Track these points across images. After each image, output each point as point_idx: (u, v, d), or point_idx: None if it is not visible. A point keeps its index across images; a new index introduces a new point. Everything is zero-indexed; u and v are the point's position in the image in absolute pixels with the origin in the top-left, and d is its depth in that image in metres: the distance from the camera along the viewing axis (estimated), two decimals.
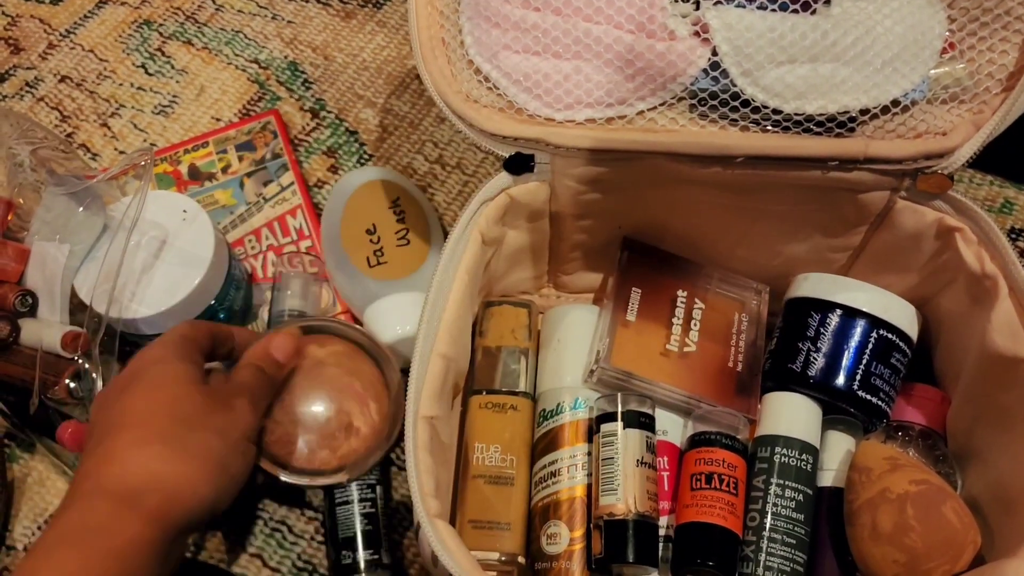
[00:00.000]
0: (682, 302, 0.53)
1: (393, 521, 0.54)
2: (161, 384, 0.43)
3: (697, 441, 0.48)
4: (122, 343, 0.56)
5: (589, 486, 0.48)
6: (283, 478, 0.49)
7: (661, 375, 0.50)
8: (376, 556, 0.51)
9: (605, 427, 0.48)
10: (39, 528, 0.55)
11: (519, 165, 0.47)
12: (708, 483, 0.46)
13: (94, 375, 0.50)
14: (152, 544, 0.38)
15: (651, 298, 0.52)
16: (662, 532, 0.48)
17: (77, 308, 0.53)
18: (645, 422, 0.48)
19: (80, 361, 0.50)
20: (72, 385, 0.50)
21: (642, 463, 0.47)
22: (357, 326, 0.54)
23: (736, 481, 0.46)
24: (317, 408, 0.50)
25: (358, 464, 0.50)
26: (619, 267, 0.53)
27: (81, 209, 0.53)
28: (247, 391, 0.45)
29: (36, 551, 0.37)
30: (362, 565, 0.50)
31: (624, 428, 0.48)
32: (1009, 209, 0.63)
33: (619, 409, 0.48)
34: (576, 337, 0.53)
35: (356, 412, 0.50)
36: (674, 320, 0.52)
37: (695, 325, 0.52)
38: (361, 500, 0.51)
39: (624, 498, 0.46)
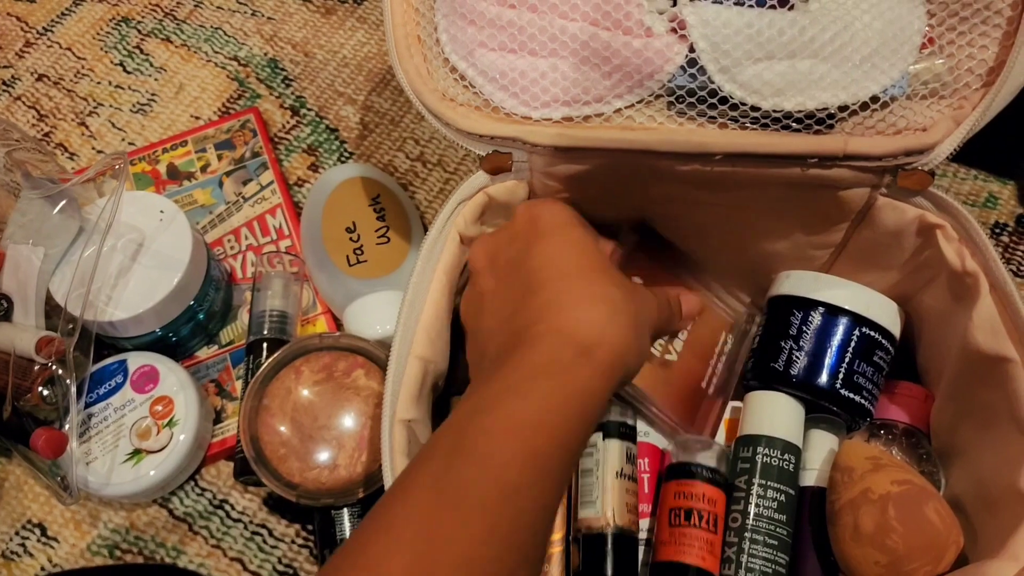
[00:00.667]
0: None
1: None
2: (583, 244, 0.41)
3: (677, 471, 0.47)
4: (98, 346, 0.56)
5: (570, 487, 0.48)
6: (300, 501, 0.49)
7: (638, 378, 0.50)
8: None
9: None
10: (16, 533, 0.55)
11: (497, 164, 0.46)
12: (687, 520, 0.46)
13: (68, 381, 0.49)
14: (600, 395, 0.37)
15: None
16: (642, 535, 0.48)
17: (53, 312, 0.52)
18: (626, 432, 0.48)
19: (54, 367, 0.50)
20: (45, 392, 0.49)
21: (622, 475, 0.47)
22: None
23: (716, 517, 0.46)
24: (345, 424, 0.50)
25: (371, 481, 0.50)
26: (624, 250, 0.52)
27: (56, 212, 0.53)
28: (657, 294, 0.45)
29: (506, 374, 0.36)
30: None
31: (604, 439, 0.47)
32: (994, 203, 0.63)
33: None
34: None
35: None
36: None
37: (683, 334, 0.51)
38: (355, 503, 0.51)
39: (603, 511, 0.46)
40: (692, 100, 0.43)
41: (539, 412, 0.35)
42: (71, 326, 0.50)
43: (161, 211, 0.55)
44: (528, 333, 0.38)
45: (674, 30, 0.43)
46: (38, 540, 0.55)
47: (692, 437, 0.49)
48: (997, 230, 0.62)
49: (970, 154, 0.61)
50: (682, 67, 0.43)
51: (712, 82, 0.43)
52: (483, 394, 0.36)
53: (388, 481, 0.40)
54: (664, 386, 0.49)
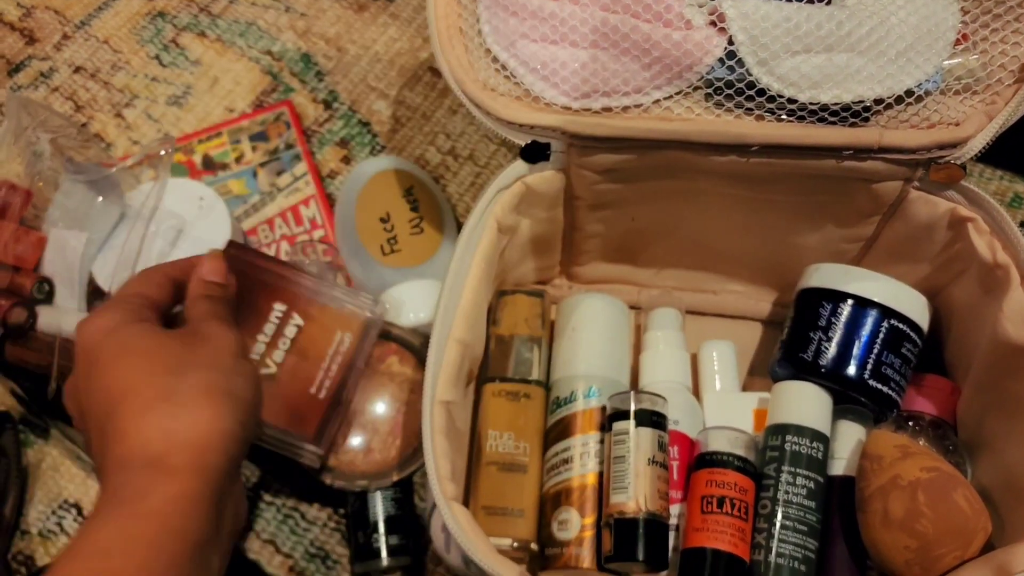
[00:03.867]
0: (277, 317, 0.50)
1: (418, 510, 0.55)
2: (126, 349, 0.40)
3: (708, 461, 0.48)
4: None
5: (601, 474, 0.49)
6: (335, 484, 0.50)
7: None
8: (402, 542, 0.51)
9: (617, 425, 0.48)
10: (53, 513, 0.56)
11: (535, 153, 0.47)
12: (719, 507, 0.46)
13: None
14: (197, 497, 0.37)
15: (243, 311, 0.48)
16: (673, 522, 0.48)
17: (95, 295, 0.53)
18: (657, 421, 0.48)
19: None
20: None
21: (653, 462, 0.47)
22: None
23: (747, 505, 0.46)
24: (379, 409, 0.51)
25: (404, 464, 0.51)
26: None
27: (99, 197, 0.54)
28: (210, 315, 0.44)
29: (76, 535, 0.37)
30: (384, 551, 0.50)
31: (636, 427, 0.48)
32: (1019, 203, 0.63)
33: (632, 408, 0.48)
34: (591, 326, 0.53)
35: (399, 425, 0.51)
36: (260, 336, 0.49)
37: (284, 344, 0.50)
38: (390, 486, 0.51)
39: (635, 497, 0.46)
40: (730, 92, 0.44)
41: (119, 554, 0.35)
42: None
43: (201, 198, 0.56)
44: (101, 479, 0.39)
45: (713, 23, 0.44)
46: (74, 519, 0.56)
47: (722, 427, 0.49)
48: (1022, 229, 0.62)
49: (997, 154, 0.62)
50: (721, 59, 0.44)
51: (750, 74, 0.44)
52: (82, 526, 0.37)
53: (429, 459, 0.41)
54: (270, 401, 0.46)
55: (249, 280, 0.50)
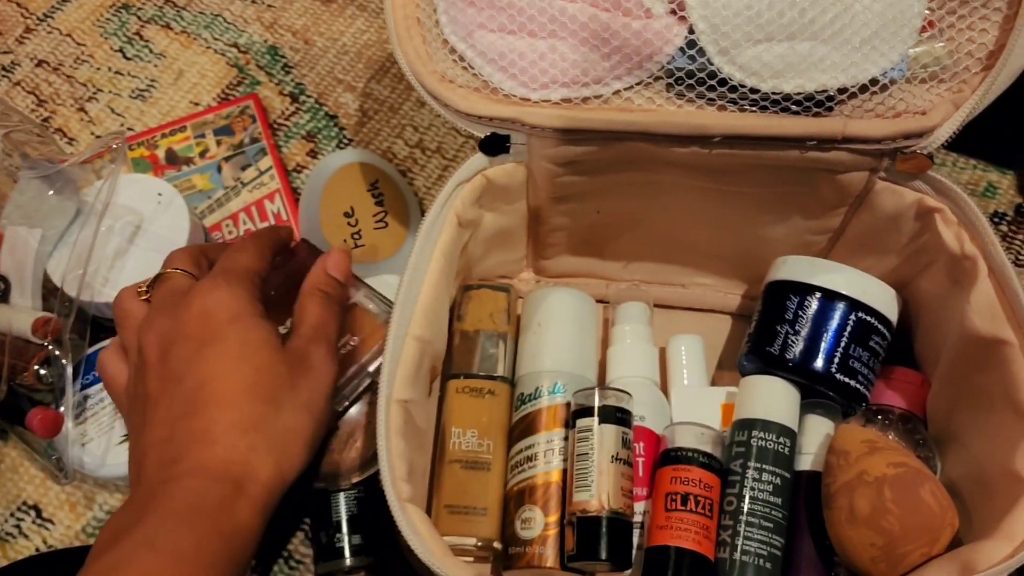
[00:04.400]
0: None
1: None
2: (244, 353, 0.40)
3: (673, 457, 0.47)
4: (96, 328, 0.55)
5: (565, 471, 0.48)
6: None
7: None
8: (365, 541, 0.50)
9: (581, 422, 0.47)
10: (12, 515, 0.55)
11: (495, 146, 0.46)
12: (684, 504, 0.45)
13: (64, 361, 0.49)
14: (253, 530, 0.38)
15: (278, 306, 0.48)
16: (639, 519, 0.48)
17: (50, 293, 0.52)
18: (622, 417, 0.48)
19: (50, 347, 0.50)
20: (42, 371, 0.49)
21: (617, 459, 0.46)
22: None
23: (711, 502, 0.46)
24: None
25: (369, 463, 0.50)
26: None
27: (53, 193, 0.53)
28: (323, 335, 0.44)
29: (146, 524, 0.36)
30: (347, 551, 0.50)
31: (600, 424, 0.47)
32: (993, 193, 0.63)
33: (596, 404, 0.47)
34: (557, 321, 0.53)
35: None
36: (281, 331, 0.47)
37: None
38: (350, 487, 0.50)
39: (598, 495, 0.45)
40: (691, 82, 0.43)
41: (174, 566, 0.35)
42: (68, 307, 0.50)
43: (159, 194, 0.55)
44: (175, 470, 0.38)
45: (674, 11, 0.43)
46: (33, 522, 0.55)
47: (688, 423, 0.48)
48: (996, 219, 0.62)
49: (969, 143, 0.61)
50: (681, 49, 0.43)
51: (711, 64, 0.43)
52: (120, 551, 0.35)
53: (383, 460, 0.40)
54: None
55: (296, 279, 0.50)
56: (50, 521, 0.55)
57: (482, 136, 0.46)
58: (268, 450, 0.39)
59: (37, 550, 0.54)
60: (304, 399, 0.41)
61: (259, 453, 0.39)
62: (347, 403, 0.49)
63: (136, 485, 0.40)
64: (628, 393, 0.49)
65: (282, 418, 0.40)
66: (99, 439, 0.52)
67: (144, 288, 0.45)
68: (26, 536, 0.54)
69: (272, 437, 0.39)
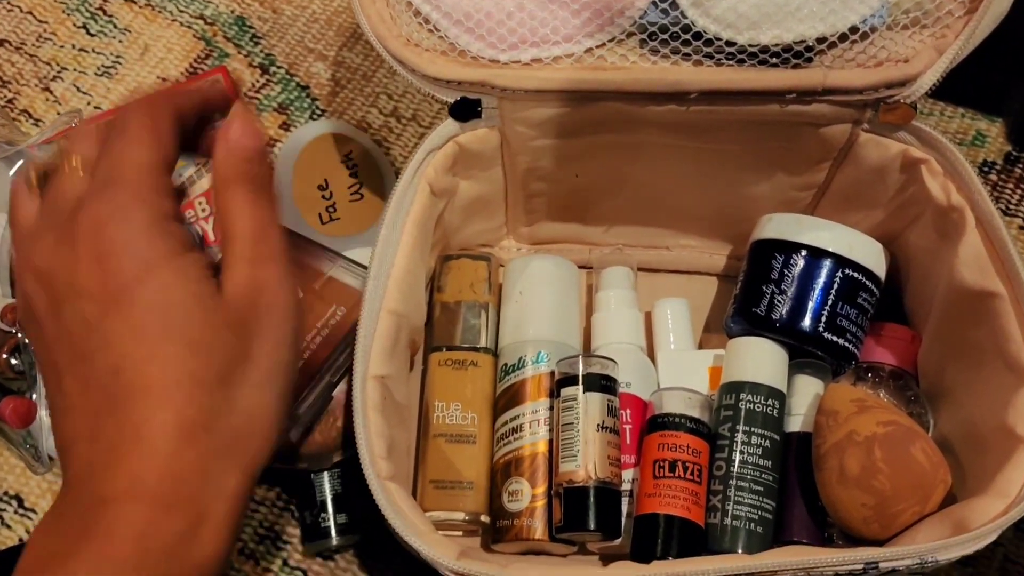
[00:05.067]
0: None
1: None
2: (167, 325, 0.30)
3: (660, 423, 0.46)
4: None
5: (551, 441, 0.47)
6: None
7: None
8: (351, 519, 0.49)
9: (565, 391, 0.46)
10: None
11: (466, 111, 0.45)
12: (672, 471, 0.45)
13: (33, 348, 0.48)
14: (221, 555, 0.30)
15: None
16: (627, 488, 0.47)
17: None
18: (607, 385, 0.47)
19: (20, 335, 0.48)
20: (12, 361, 0.48)
21: (603, 427, 0.46)
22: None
23: (700, 468, 0.45)
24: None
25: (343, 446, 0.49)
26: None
27: (14, 175, 0.51)
28: (266, 248, 0.33)
29: (79, 564, 0.28)
30: (333, 530, 0.49)
31: (584, 392, 0.46)
32: (982, 142, 0.61)
33: (580, 372, 0.46)
34: (539, 288, 0.51)
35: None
36: None
37: None
38: (333, 466, 0.50)
39: (584, 465, 0.45)
40: (665, 37, 0.42)
41: None
42: None
43: None
44: (109, 485, 0.29)
45: None
46: (15, 512, 0.54)
47: (675, 388, 0.48)
48: (985, 168, 0.60)
49: (956, 91, 0.60)
50: (654, 2, 0.41)
51: (685, 17, 0.41)
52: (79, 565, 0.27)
53: (360, 437, 0.39)
54: None
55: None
56: (32, 511, 0.54)
57: (452, 101, 0.44)
58: (228, 454, 0.30)
59: (20, 540, 0.53)
60: (264, 367, 0.31)
61: (217, 461, 0.30)
62: (337, 378, 0.48)
63: (64, 482, 0.31)
64: (613, 360, 0.48)
65: (239, 405, 0.30)
66: None
67: (35, 177, 0.34)
68: (8, 526, 0.54)
69: (229, 435, 0.30)
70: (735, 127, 0.45)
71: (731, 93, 0.42)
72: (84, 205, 0.31)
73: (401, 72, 0.44)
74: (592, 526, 0.44)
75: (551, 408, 0.48)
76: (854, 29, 0.41)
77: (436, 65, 0.43)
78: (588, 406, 0.46)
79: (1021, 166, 0.60)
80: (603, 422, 0.46)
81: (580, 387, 0.46)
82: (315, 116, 0.64)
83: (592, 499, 0.44)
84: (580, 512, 0.44)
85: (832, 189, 0.49)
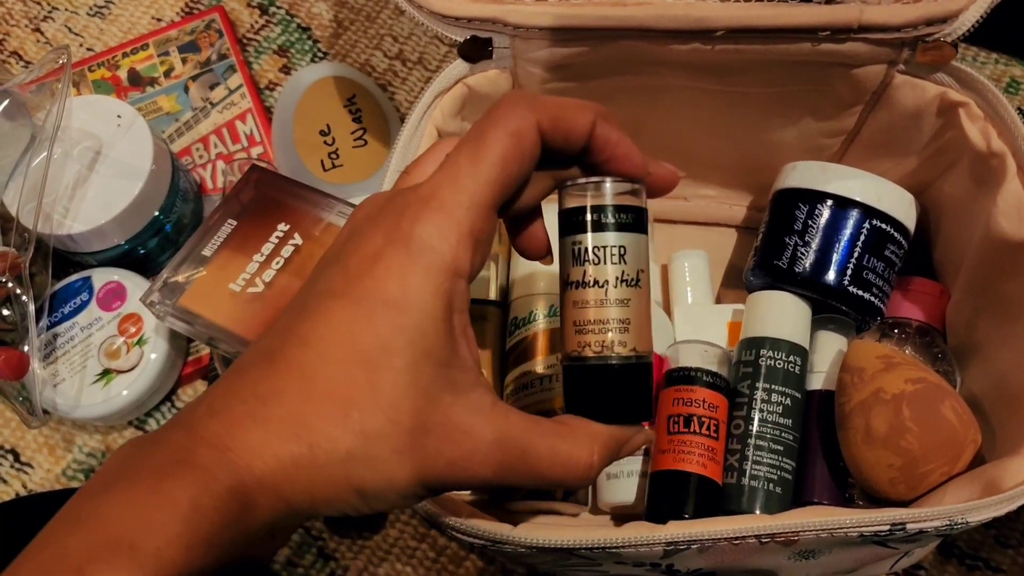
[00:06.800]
0: (277, 237, 0.47)
1: None
2: (407, 305, 0.27)
3: (675, 378, 0.44)
4: (63, 263, 0.52)
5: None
6: None
7: (224, 317, 0.46)
8: None
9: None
10: None
11: (476, 50, 0.42)
12: (687, 427, 0.43)
13: (25, 298, 0.46)
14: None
15: (248, 231, 0.47)
16: None
17: (7, 226, 0.49)
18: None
19: (10, 284, 0.47)
20: (4, 312, 0.46)
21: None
22: None
23: (717, 423, 0.43)
24: None
25: None
26: (228, 196, 0.49)
27: (3, 119, 0.49)
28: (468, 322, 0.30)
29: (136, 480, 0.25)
30: None
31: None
32: (1016, 88, 0.58)
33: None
34: (551, 237, 0.49)
35: None
36: (256, 257, 0.47)
37: (278, 263, 0.47)
38: None
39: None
40: None
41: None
42: (25, 238, 0.47)
43: (118, 116, 0.51)
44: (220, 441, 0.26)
45: None
46: (11, 466, 0.53)
47: (691, 340, 0.46)
48: (1021, 115, 0.57)
49: (991, 35, 0.57)
50: None
51: None
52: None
53: None
54: (251, 316, 0.45)
55: (267, 202, 0.48)
56: (28, 465, 0.53)
57: (460, 40, 0.42)
58: (408, 464, 0.27)
59: (17, 495, 0.52)
60: (461, 409, 0.28)
61: (398, 468, 0.27)
62: None
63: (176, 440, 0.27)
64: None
65: (431, 437, 0.27)
66: (71, 379, 0.49)
67: None
68: (4, 480, 0.52)
69: (420, 449, 0.27)
70: (762, 68, 0.42)
71: (760, 31, 0.39)
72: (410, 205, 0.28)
73: (407, 9, 0.41)
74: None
75: None
76: None
77: (445, 1, 0.41)
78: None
79: None
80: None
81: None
82: (317, 59, 0.62)
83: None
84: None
85: (862, 135, 0.46)
